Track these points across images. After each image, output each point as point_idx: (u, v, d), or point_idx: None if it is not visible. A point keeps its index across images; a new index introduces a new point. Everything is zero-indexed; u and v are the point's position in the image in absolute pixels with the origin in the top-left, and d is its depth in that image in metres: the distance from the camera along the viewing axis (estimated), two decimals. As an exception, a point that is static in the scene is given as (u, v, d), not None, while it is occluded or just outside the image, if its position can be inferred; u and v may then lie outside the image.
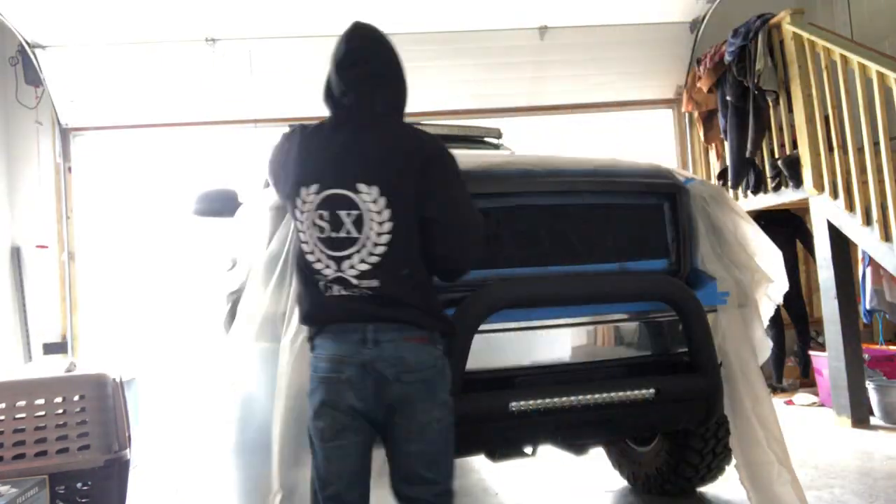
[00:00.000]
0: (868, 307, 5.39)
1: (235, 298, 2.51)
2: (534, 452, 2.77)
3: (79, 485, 2.60)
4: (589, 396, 2.30)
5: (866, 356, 4.88)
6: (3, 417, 2.63)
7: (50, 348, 5.93)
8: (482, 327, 2.18)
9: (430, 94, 6.32)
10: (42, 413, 2.66)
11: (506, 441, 2.56)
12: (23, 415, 2.65)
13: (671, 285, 2.46)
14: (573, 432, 2.65)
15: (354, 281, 1.75)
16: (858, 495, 3.24)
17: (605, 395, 2.31)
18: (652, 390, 2.37)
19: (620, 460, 3.57)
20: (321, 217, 1.78)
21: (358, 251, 1.75)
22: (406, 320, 1.76)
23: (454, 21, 6.02)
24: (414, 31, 5.91)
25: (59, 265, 6.07)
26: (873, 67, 4.14)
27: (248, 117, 6.18)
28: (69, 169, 6.20)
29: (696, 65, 6.01)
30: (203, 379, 4.89)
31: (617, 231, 2.59)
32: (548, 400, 2.26)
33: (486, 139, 4.33)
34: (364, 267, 1.75)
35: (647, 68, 6.61)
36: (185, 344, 5.67)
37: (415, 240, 1.79)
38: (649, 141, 6.87)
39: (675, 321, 2.49)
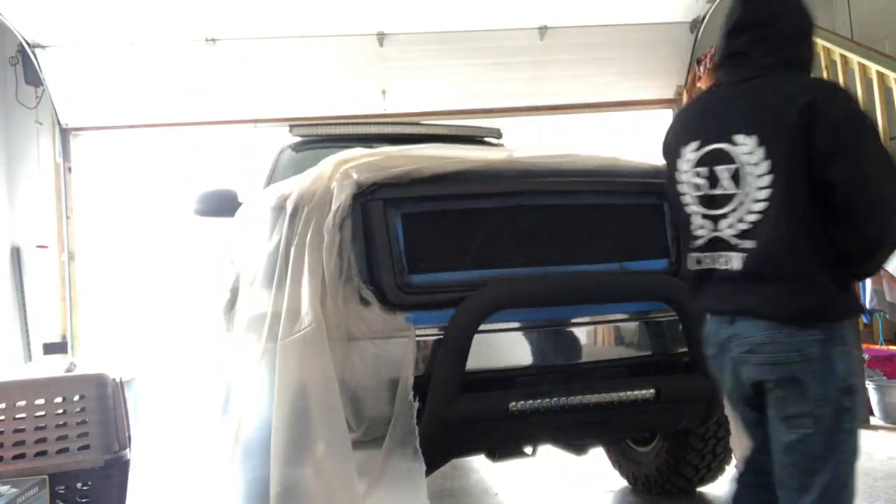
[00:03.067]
0: (868, 307, 5.38)
1: (233, 295, 2.51)
2: (534, 452, 2.77)
3: (79, 485, 2.60)
4: (589, 397, 2.29)
5: (866, 356, 4.87)
6: (3, 417, 2.63)
7: (50, 348, 5.93)
8: (482, 327, 2.18)
9: (430, 93, 6.33)
10: (42, 413, 2.66)
11: (506, 441, 2.56)
12: (23, 415, 2.65)
13: (671, 285, 2.46)
14: (573, 432, 2.65)
15: (733, 241, 1.68)
16: (858, 495, 3.23)
17: (604, 395, 2.31)
18: (652, 390, 2.36)
19: (620, 460, 3.56)
20: (698, 174, 1.76)
21: (734, 210, 1.68)
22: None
23: (454, 21, 6.01)
24: (414, 31, 5.92)
25: (59, 265, 6.07)
26: (873, 67, 4.15)
27: (248, 117, 6.19)
28: (69, 169, 6.20)
29: (696, 65, 6.01)
30: (203, 378, 4.88)
31: (617, 231, 2.59)
32: (548, 400, 2.25)
33: (486, 139, 4.33)
34: (742, 226, 1.67)
35: (647, 68, 6.60)
36: (185, 344, 5.67)
37: (803, 203, 1.61)
38: (649, 141, 6.88)
39: (675, 321, 2.48)
